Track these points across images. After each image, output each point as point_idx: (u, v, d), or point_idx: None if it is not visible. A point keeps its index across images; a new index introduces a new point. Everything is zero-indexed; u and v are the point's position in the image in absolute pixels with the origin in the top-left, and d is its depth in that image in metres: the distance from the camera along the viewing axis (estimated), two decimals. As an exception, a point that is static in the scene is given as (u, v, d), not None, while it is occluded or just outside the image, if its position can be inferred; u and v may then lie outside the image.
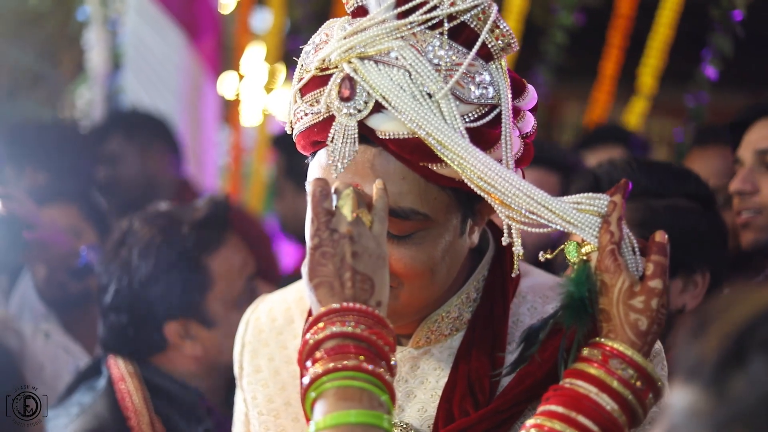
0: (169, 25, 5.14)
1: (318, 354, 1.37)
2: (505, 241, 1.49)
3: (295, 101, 1.51)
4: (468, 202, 1.51)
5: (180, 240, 2.36)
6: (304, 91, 1.49)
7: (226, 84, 6.07)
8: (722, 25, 4.12)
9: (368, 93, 1.43)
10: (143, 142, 4.32)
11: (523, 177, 1.56)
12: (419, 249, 1.49)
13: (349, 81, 1.43)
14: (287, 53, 5.41)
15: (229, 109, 6.27)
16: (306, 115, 1.49)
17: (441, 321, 1.61)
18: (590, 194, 1.48)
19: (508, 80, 1.48)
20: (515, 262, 1.52)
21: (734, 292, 1.01)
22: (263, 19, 6.41)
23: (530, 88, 1.54)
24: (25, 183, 3.89)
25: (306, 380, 1.37)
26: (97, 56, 5.27)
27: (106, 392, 2.35)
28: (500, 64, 1.47)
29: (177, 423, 2.35)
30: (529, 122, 1.55)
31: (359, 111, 1.43)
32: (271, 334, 1.77)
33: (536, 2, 5.42)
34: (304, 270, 1.43)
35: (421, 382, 1.62)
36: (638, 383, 1.40)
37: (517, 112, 1.51)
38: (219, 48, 5.53)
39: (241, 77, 6.13)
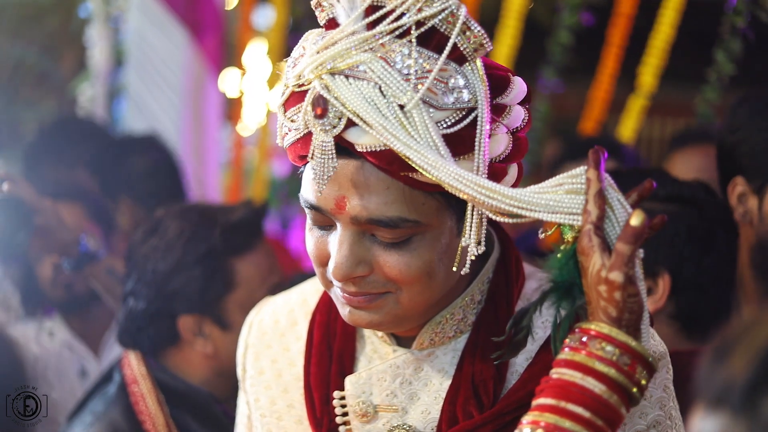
0: (171, 23, 5.13)
1: None
2: (464, 242, 1.46)
3: (280, 116, 1.51)
4: (460, 204, 1.49)
5: (209, 237, 2.36)
6: (286, 106, 1.49)
7: (228, 81, 6.07)
8: (734, 28, 4.11)
9: (340, 109, 1.42)
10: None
11: (521, 170, 1.54)
12: (413, 255, 1.48)
13: (322, 98, 1.42)
14: (289, 50, 5.37)
15: (231, 107, 6.27)
16: (290, 130, 1.49)
17: (445, 323, 1.61)
18: (571, 172, 1.43)
19: (485, 80, 1.45)
20: (467, 260, 1.47)
21: (753, 317, 0.99)
22: (265, 16, 6.40)
23: (516, 80, 1.51)
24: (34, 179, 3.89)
25: None
26: (99, 53, 5.26)
27: (119, 397, 2.34)
28: (475, 65, 1.44)
29: (193, 427, 2.34)
30: (518, 116, 1.51)
31: (333, 127, 1.42)
32: (275, 336, 1.77)
33: (540, 2, 5.39)
34: None
35: (425, 384, 1.62)
36: (623, 359, 1.37)
37: (501, 109, 1.49)
38: (221, 45, 5.53)
39: (244, 74, 6.12)
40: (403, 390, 1.62)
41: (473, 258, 1.47)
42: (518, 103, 1.52)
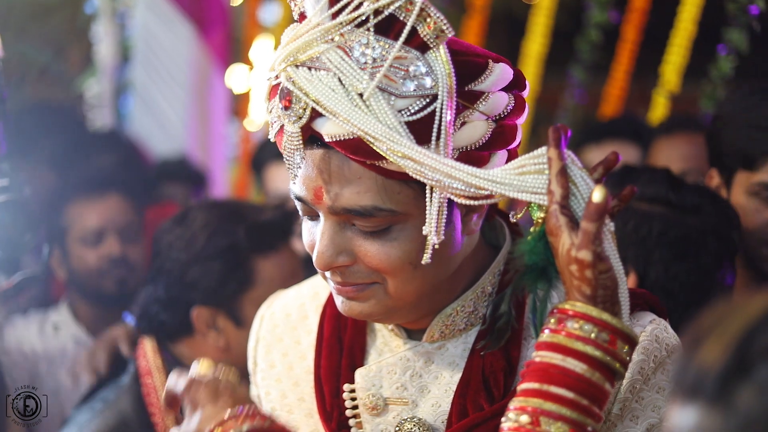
0: (177, 18, 5.14)
1: None
2: (425, 230, 1.45)
3: (266, 110, 1.53)
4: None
5: (233, 233, 2.38)
6: (268, 99, 1.52)
7: (235, 77, 6.07)
8: (738, 20, 4.09)
9: (304, 99, 1.43)
10: None
11: (513, 158, 1.52)
12: (393, 245, 1.48)
13: (287, 90, 1.45)
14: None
15: (237, 102, 6.27)
16: (273, 123, 1.51)
17: (456, 315, 1.60)
18: (532, 153, 1.43)
19: (451, 68, 1.43)
20: (427, 250, 1.47)
21: (724, 305, 0.99)
22: (272, 12, 6.40)
23: (497, 67, 1.49)
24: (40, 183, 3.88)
25: None
26: (106, 49, 5.26)
27: (131, 388, 2.36)
28: (439, 51, 1.43)
29: None
30: (499, 103, 1.49)
31: (300, 118, 1.44)
32: (286, 329, 1.77)
33: (563, 8, 5.36)
34: None
35: (436, 377, 1.61)
36: (602, 336, 1.37)
37: (476, 96, 1.47)
38: (228, 41, 5.53)
39: (250, 69, 6.12)
40: (413, 383, 1.62)
41: (436, 247, 1.46)
42: (503, 90, 1.50)
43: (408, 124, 1.41)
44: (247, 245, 2.37)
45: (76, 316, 3.42)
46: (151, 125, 5.11)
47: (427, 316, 1.60)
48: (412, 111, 1.42)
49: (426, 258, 1.47)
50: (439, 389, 1.60)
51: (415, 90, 1.41)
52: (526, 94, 1.56)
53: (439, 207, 1.44)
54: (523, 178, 1.42)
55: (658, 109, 4.97)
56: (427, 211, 1.45)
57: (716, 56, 4.44)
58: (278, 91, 1.47)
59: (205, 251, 2.36)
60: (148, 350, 2.40)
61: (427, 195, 1.45)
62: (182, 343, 2.42)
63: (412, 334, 1.65)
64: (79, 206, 3.37)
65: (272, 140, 1.55)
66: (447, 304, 1.60)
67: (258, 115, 6.25)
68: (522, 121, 1.55)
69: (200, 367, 1.60)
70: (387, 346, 1.66)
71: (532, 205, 1.44)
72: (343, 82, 1.41)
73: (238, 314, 2.38)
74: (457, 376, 1.59)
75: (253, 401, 1.59)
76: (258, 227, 2.40)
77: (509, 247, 1.64)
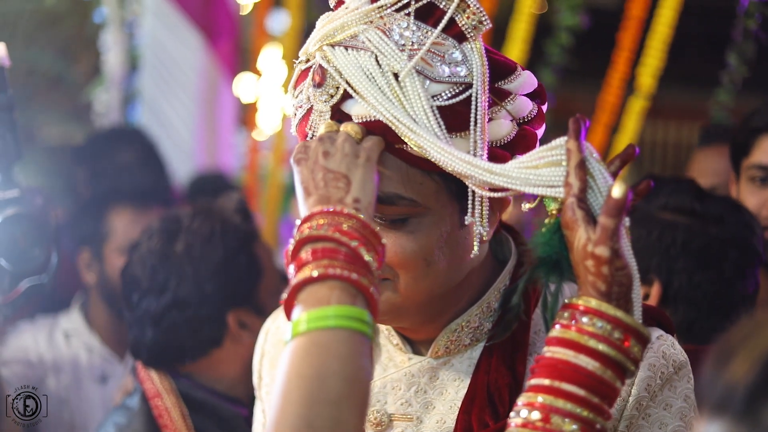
0: (186, 27, 5.15)
1: (296, 262, 1.38)
2: (468, 220, 1.47)
3: (290, 98, 1.55)
4: (461, 190, 1.49)
5: (237, 228, 2.36)
6: (294, 85, 1.53)
7: (243, 86, 6.08)
8: (747, 31, 4.09)
9: (337, 79, 1.45)
10: None
11: None
12: (410, 238, 1.48)
13: (321, 68, 1.46)
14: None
15: (246, 111, 6.28)
16: (297, 109, 1.52)
17: (461, 331, 1.59)
18: (550, 144, 1.42)
19: (485, 60, 1.46)
20: (475, 243, 1.48)
21: (753, 320, 0.98)
22: (280, 21, 6.42)
23: (525, 73, 1.52)
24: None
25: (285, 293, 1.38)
26: (114, 58, 5.28)
27: (141, 410, 2.28)
28: (475, 43, 1.46)
29: None
30: (524, 106, 1.51)
31: (331, 96, 1.46)
32: (290, 343, 1.75)
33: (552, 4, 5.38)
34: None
35: (440, 393, 1.60)
36: (615, 334, 1.35)
37: (504, 94, 1.49)
38: (236, 50, 5.54)
39: (258, 78, 6.14)
40: (418, 399, 1.61)
41: (484, 239, 1.47)
42: (527, 96, 1.52)
43: (440, 109, 1.43)
44: (251, 235, 2.36)
45: (89, 323, 3.36)
46: (159, 134, 5.10)
47: (430, 323, 1.59)
48: (445, 97, 1.43)
49: (475, 249, 1.48)
50: (444, 405, 1.59)
51: (449, 76, 1.44)
52: (545, 108, 1.57)
53: (480, 197, 1.46)
54: (538, 171, 1.41)
55: (634, 114, 4.97)
56: (469, 201, 1.46)
57: (725, 67, 4.44)
58: (309, 73, 1.48)
59: (227, 255, 2.30)
60: (152, 373, 2.32)
61: (470, 187, 1.45)
62: (198, 362, 2.34)
63: (417, 349, 1.64)
64: (124, 215, 3.29)
65: (293, 132, 1.55)
66: (451, 314, 1.59)
67: (266, 125, 6.27)
68: (541, 133, 1.56)
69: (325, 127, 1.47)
70: (392, 361, 1.65)
71: (547, 197, 1.43)
72: (380, 61, 1.43)
73: (259, 304, 2.34)
74: (462, 392, 1.58)
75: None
76: (245, 215, 2.40)
77: (514, 262, 1.64)
